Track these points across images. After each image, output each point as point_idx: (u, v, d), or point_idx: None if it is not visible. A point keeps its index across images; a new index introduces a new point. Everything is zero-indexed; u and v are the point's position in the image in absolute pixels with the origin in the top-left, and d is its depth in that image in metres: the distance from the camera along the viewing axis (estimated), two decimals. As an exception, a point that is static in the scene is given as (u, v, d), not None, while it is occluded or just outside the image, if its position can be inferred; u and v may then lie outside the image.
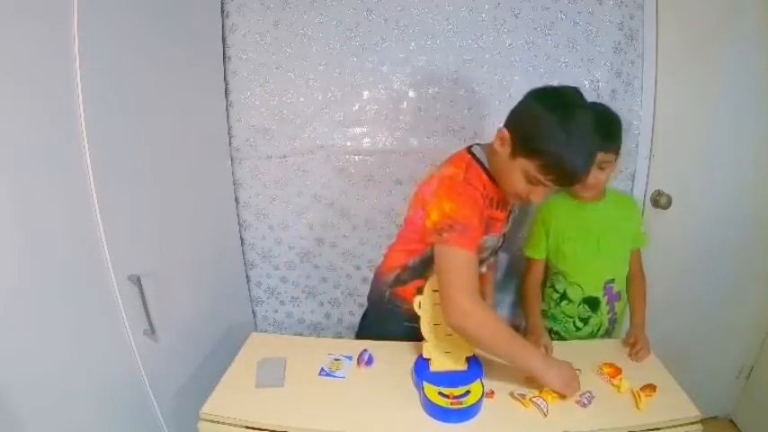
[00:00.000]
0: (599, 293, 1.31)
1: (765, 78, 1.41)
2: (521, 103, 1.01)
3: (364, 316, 1.37)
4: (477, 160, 1.07)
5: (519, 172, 0.98)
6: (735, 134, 1.47)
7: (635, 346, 1.15)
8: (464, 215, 0.95)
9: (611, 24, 1.41)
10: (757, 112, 1.45)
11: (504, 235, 1.22)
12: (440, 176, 1.05)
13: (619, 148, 1.21)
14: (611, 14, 1.41)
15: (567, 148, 0.91)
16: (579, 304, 1.33)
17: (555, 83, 1.43)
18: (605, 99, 1.45)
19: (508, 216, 1.18)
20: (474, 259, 0.95)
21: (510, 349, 0.97)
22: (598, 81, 1.45)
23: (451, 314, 0.93)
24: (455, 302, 0.93)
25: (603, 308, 1.32)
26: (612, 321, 1.36)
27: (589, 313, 1.32)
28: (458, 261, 0.94)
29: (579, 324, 1.34)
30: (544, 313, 1.37)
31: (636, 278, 1.35)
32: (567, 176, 0.95)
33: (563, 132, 0.91)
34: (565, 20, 1.42)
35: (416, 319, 1.12)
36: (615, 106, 1.34)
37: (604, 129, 1.15)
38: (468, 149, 1.10)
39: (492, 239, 1.14)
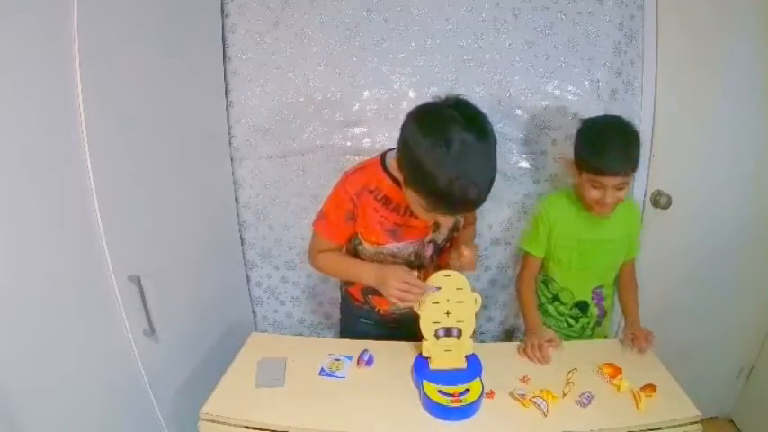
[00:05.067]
0: (588, 298, 1.33)
1: (765, 78, 1.41)
2: (402, 129, 0.92)
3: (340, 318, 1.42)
4: (385, 167, 1.05)
5: (415, 202, 0.94)
6: (735, 134, 1.47)
7: (637, 340, 1.15)
8: (328, 208, 1.11)
9: (611, 24, 1.41)
10: (757, 112, 1.45)
11: (441, 246, 1.15)
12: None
13: (637, 164, 1.15)
14: (611, 14, 1.41)
15: (451, 186, 0.82)
16: (571, 308, 1.34)
17: (555, 83, 1.46)
18: (605, 99, 1.45)
19: (438, 225, 1.10)
20: (321, 238, 1.15)
21: (344, 272, 1.21)
22: (598, 81, 1.45)
23: (310, 265, 1.22)
24: (309, 260, 1.21)
25: (593, 309, 1.34)
26: (602, 315, 1.36)
27: (579, 314, 1.34)
28: (314, 238, 1.17)
29: (571, 321, 1.36)
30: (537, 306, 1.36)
31: (628, 286, 1.34)
32: (460, 208, 0.93)
33: (442, 169, 0.82)
34: (565, 20, 1.42)
35: (371, 315, 1.25)
36: (615, 106, 1.34)
37: (625, 150, 1.12)
38: (384, 154, 1.08)
39: (409, 247, 1.11)
